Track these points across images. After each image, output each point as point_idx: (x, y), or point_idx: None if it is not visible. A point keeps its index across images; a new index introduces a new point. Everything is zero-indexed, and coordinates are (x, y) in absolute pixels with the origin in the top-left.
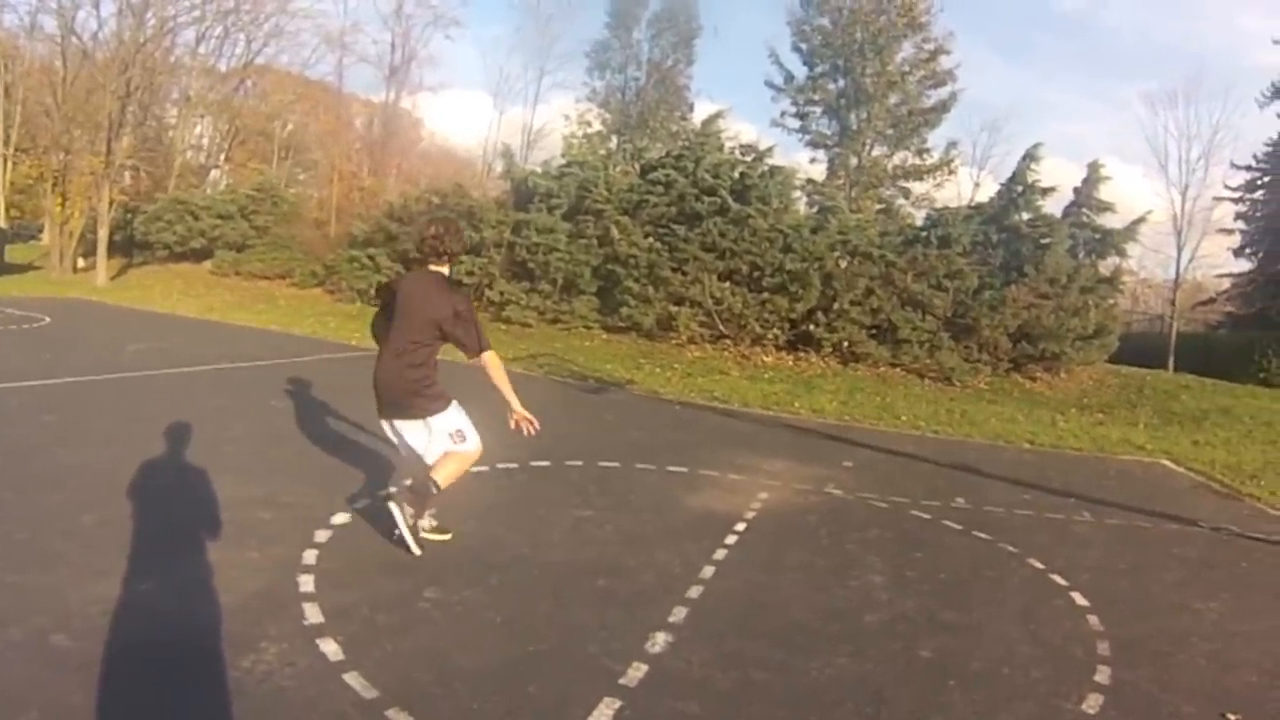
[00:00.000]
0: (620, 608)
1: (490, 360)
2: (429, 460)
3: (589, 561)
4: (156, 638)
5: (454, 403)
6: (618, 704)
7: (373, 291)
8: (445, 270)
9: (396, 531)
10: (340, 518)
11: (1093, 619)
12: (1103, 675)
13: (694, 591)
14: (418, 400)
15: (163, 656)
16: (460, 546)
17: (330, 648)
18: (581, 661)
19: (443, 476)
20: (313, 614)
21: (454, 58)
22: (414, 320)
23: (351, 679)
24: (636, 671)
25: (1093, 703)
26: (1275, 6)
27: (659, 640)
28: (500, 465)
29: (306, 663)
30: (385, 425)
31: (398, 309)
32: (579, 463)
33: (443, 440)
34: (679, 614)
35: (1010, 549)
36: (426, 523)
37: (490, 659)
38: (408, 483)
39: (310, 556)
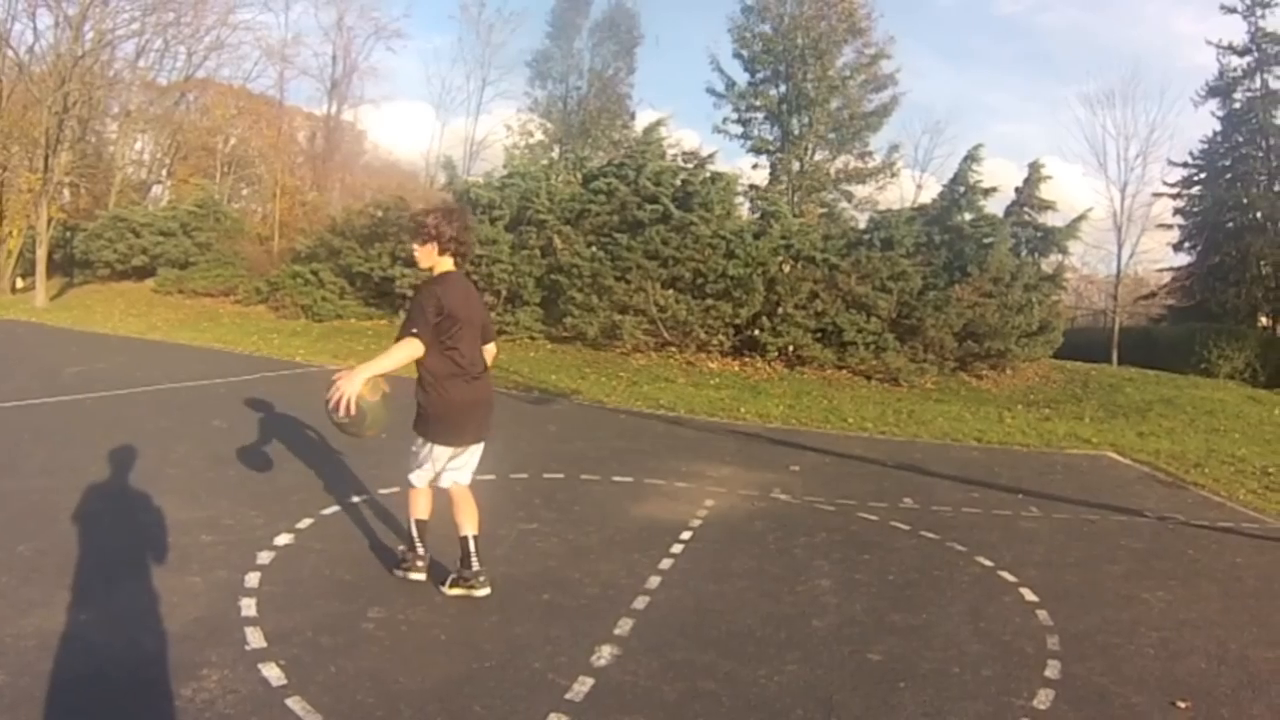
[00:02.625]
0: (565, 621)
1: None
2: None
3: (534, 575)
4: (94, 670)
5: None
6: (564, 719)
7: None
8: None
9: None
10: (283, 539)
11: (1042, 614)
12: (1053, 670)
13: (640, 602)
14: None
15: (100, 689)
16: None
17: (273, 672)
18: (527, 677)
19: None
20: (255, 638)
21: (396, 70)
22: (480, 328)
23: (294, 704)
24: (582, 685)
25: (1043, 698)
26: (1208, 9)
27: (605, 653)
28: (444, 482)
29: (249, 689)
30: (466, 452)
31: (466, 320)
32: (524, 475)
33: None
34: (625, 626)
35: (959, 547)
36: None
37: (435, 678)
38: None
39: (253, 579)
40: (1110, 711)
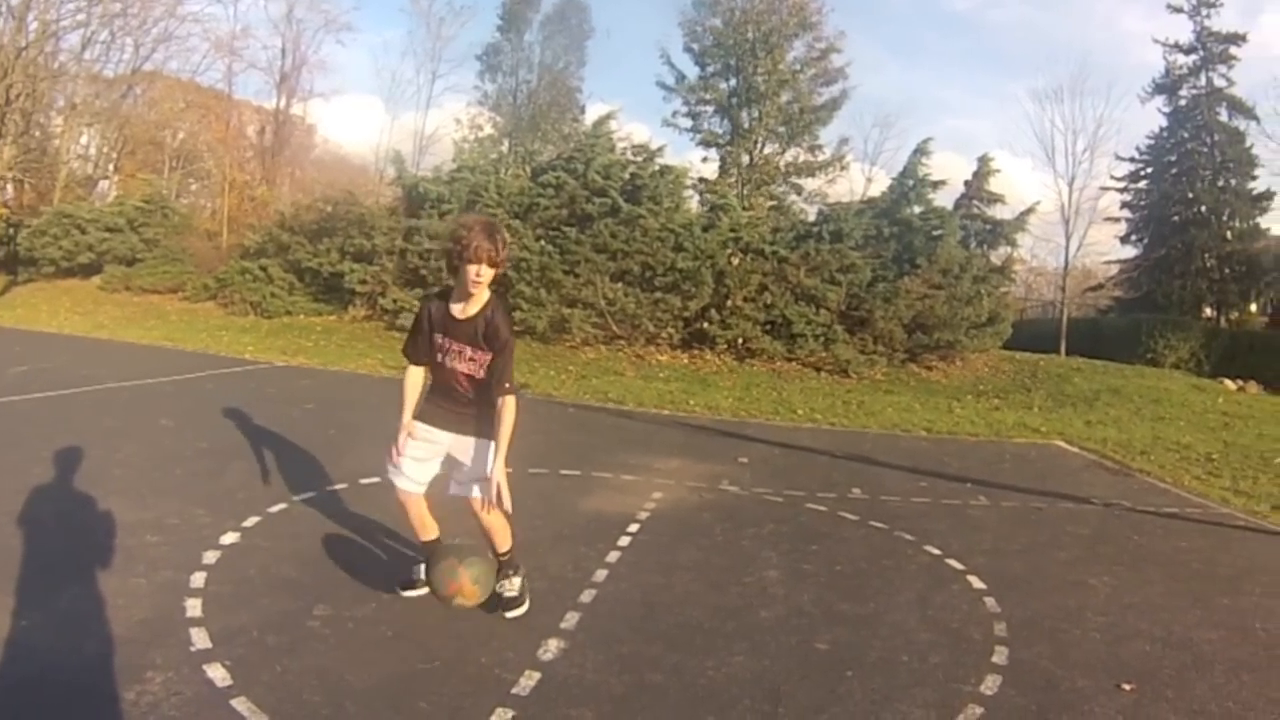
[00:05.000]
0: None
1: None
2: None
3: None
4: (36, 674)
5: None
6: (510, 714)
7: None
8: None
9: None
10: (229, 538)
11: (989, 601)
12: (1000, 656)
13: (586, 596)
14: None
15: (42, 694)
16: (351, 562)
17: (218, 673)
18: (473, 673)
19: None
20: (200, 639)
21: (346, 63)
22: None
23: (239, 704)
24: (529, 680)
25: (991, 683)
26: (1155, 8)
27: (551, 647)
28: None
29: (193, 690)
30: None
31: None
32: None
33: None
34: (571, 619)
35: (907, 537)
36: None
37: (382, 675)
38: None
39: (199, 579)
40: (1057, 696)
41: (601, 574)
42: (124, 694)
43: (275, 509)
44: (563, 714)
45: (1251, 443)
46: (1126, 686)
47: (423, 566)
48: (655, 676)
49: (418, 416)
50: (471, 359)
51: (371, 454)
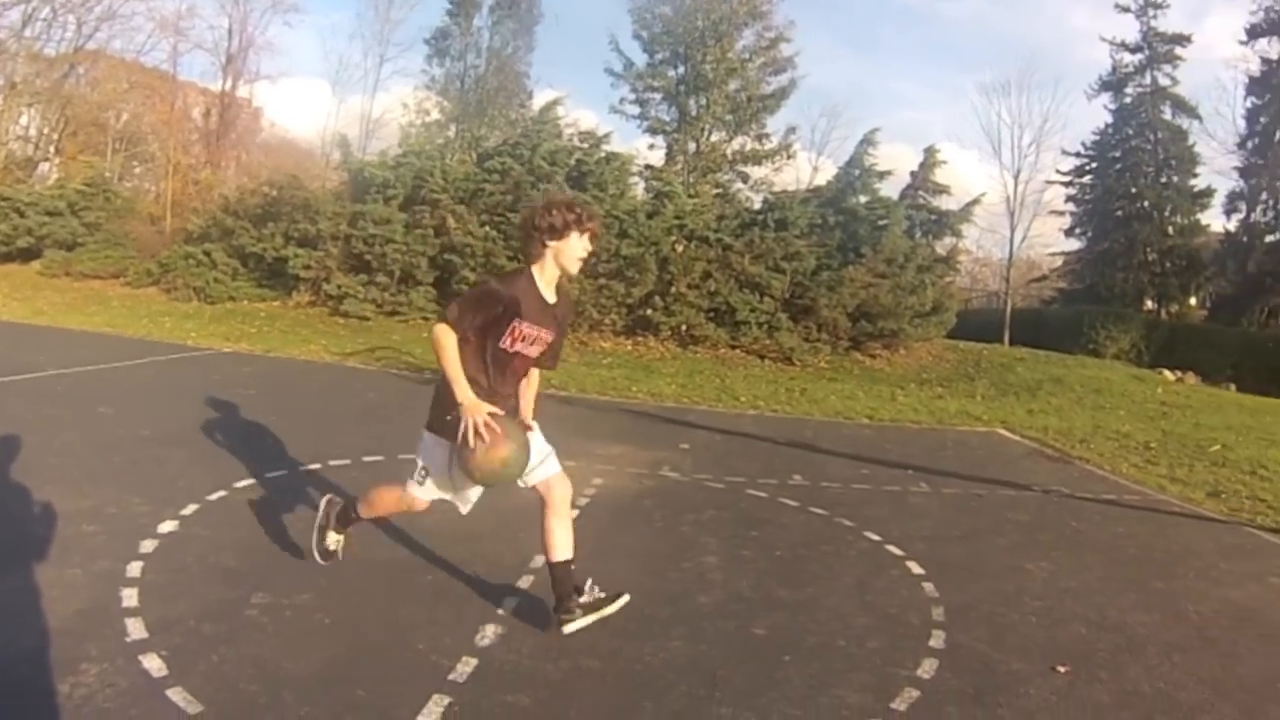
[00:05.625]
0: (450, 602)
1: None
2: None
3: (421, 557)
4: None
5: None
6: (447, 700)
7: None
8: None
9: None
10: (167, 526)
11: (928, 586)
12: (937, 640)
13: (524, 581)
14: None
15: None
16: (291, 548)
17: (153, 663)
18: (410, 660)
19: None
20: (136, 629)
21: (293, 45)
22: None
23: (175, 695)
24: (466, 666)
25: (928, 667)
26: (1104, 7)
27: (489, 633)
28: (333, 462)
29: (128, 681)
30: None
31: None
32: (411, 456)
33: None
34: (509, 605)
35: (847, 523)
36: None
37: (319, 663)
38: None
39: (135, 569)
40: (993, 679)
41: (540, 560)
42: (58, 686)
43: (214, 497)
44: (499, 700)
45: (1189, 432)
46: (1061, 669)
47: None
48: (592, 662)
49: None
50: (543, 342)
51: (313, 441)
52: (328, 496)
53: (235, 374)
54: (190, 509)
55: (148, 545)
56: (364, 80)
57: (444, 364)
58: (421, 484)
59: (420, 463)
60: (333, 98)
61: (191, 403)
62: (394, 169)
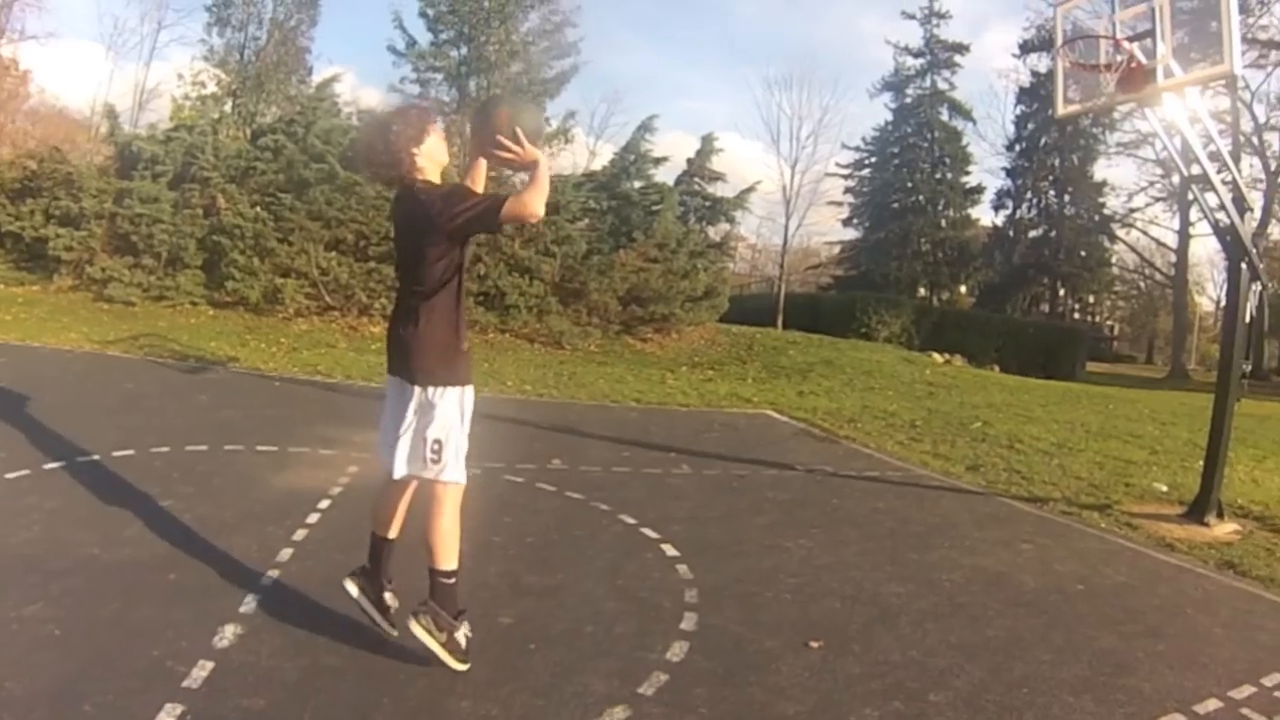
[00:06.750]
0: (190, 602)
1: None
2: (396, 470)
3: (162, 556)
4: None
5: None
6: (180, 709)
7: None
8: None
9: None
10: None
11: (682, 568)
12: (689, 622)
13: (268, 577)
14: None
15: None
16: (20, 555)
17: None
18: (144, 668)
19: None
20: None
21: (64, 3)
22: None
23: None
24: (201, 671)
25: (678, 650)
26: (891, 14)
27: (228, 633)
28: (79, 459)
29: None
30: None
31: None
32: (165, 449)
33: (418, 446)
34: (250, 603)
35: (603, 507)
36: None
37: (45, 679)
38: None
39: None
40: (744, 657)
41: (286, 553)
42: None
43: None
44: (234, 704)
45: (953, 410)
46: (814, 644)
47: None
48: (332, 659)
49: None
50: None
51: (58, 437)
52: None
53: None
54: None
55: None
56: (140, 47)
57: (540, 182)
58: (462, 463)
59: (455, 443)
60: (107, 64)
61: None
62: (164, 144)
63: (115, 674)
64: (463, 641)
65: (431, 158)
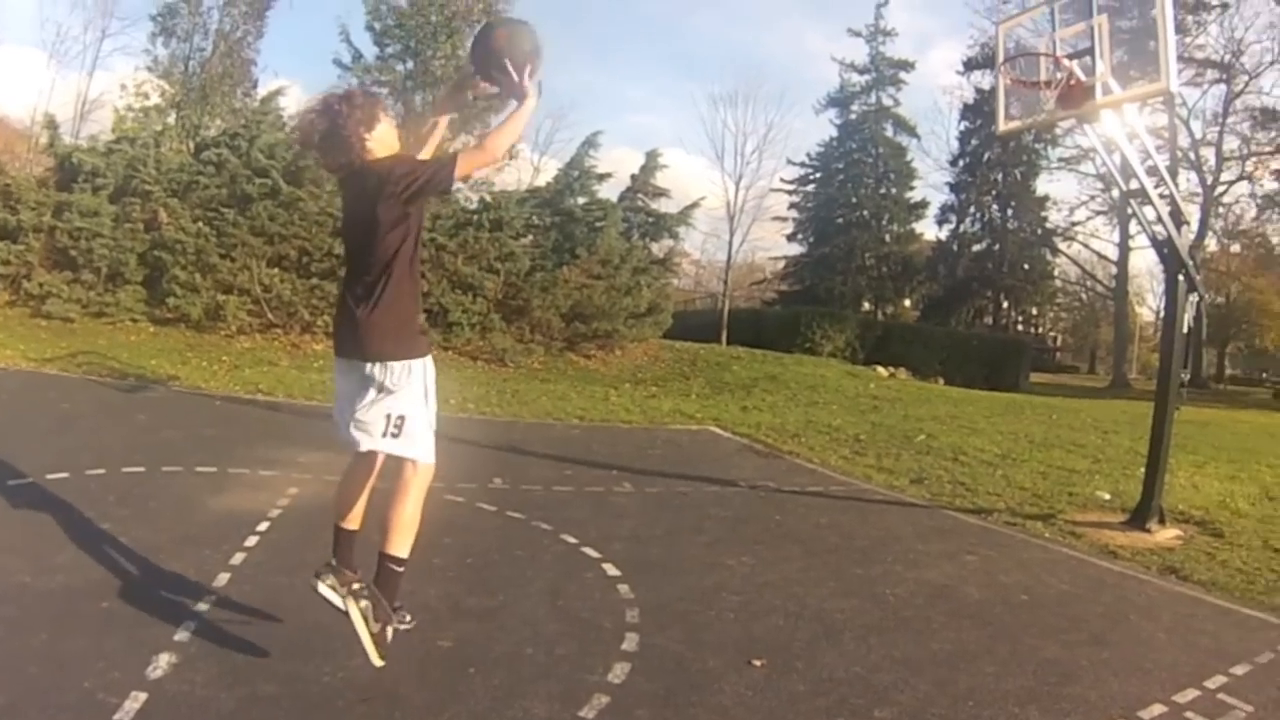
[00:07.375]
0: (123, 631)
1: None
2: (361, 444)
3: (96, 582)
4: None
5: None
6: None
7: None
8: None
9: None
10: None
11: (623, 588)
12: (630, 643)
13: (204, 603)
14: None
15: None
16: None
17: None
18: (74, 700)
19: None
20: None
21: (5, 6)
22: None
23: None
24: (134, 702)
25: (619, 671)
26: (837, 31)
27: (162, 663)
28: (11, 482)
29: None
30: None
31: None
32: (100, 471)
33: (379, 421)
34: (186, 631)
35: (544, 526)
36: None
37: None
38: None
39: None
40: (686, 677)
41: (224, 577)
42: None
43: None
44: None
45: (897, 423)
46: (757, 662)
47: None
48: (269, 687)
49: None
50: None
51: None
52: (349, 590)
53: None
54: None
55: None
56: (83, 55)
57: (515, 121)
58: (430, 441)
59: (421, 419)
60: (48, 72)
61: None
62: (105, 156)
63: (44, 707)
64: (389, 636)
65: (383, 143)
